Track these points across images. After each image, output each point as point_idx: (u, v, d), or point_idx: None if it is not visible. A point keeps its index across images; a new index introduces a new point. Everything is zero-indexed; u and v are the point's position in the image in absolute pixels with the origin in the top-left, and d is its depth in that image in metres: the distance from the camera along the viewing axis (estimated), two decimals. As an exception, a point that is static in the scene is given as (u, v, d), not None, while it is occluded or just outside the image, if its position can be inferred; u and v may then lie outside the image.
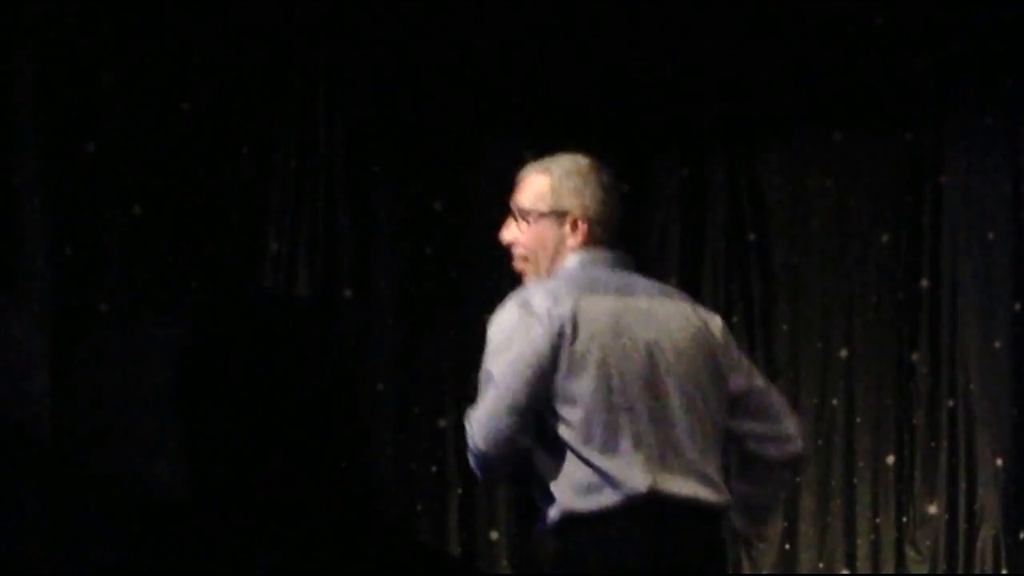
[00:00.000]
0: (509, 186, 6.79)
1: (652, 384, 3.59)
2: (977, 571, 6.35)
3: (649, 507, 3.53)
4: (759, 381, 3.78)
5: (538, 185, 3.77)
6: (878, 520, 6.50)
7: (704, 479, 3.58)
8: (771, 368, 6.59)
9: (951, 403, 6.47)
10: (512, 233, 3.79)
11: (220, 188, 6.15)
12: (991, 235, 6.44)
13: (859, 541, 6.50)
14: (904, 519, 6.49)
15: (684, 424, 3.60)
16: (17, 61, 5.71)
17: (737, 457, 3.83)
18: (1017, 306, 6.40)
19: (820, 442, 6.56)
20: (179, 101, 6.05)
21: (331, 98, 6.32)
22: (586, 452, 3.54)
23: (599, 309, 3.60)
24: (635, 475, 3.53)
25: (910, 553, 6.47)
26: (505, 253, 3.85)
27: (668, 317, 3.66)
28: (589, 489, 3.54)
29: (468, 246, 6.45)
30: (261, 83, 6.21)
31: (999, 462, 6.36)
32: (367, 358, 6.25)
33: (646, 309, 3.65)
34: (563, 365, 3.55)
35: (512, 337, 3.57)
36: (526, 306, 3.59)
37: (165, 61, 5.99)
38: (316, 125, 6.31)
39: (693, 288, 6.62)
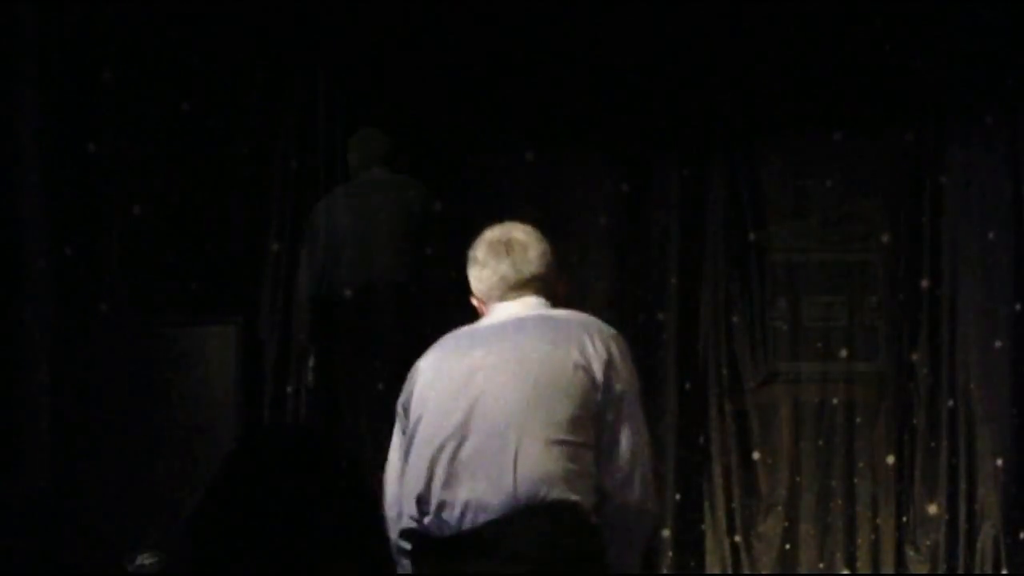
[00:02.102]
0: (509, 186, 6.78)
1: (464, 422, 3.75)
2: (977, 571, 6.34)
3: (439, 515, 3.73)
4: (621, 437, 3.67)
5: None
6: (878, 520, 6.50)
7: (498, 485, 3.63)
8: (771, 368, 6.59)
9: (951, 403, 6.46)
10: None
11: (220, 188, 6.15)
12: (991, 235, 6.44)
13: (859, 541, 6.50)
14: (904, 519, 6.48)
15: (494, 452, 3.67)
16: (17, 61, 5.70)
17: None
18: (1017, 306, 6.39)
19: (820, 442, 6.56)
20: (179, 101, 6.05)
21: (331, 99, 6.32)
22: None
23: (437, 365, 3.93)
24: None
25: (910, 553, 6.46)
26: None
27: (500, 367, 3.78)
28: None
29: (468, 246, 6.44)
30: (261, 83, 6.21)
31: (999, 462, 6.36)
32: (367, 358, 6.25)
33: (476, 362, 3.83)
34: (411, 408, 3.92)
35: None
36: None
37: (165, 61, 6.00)
38: (316, 125, 6.31)
39: (693, 288, 6.62)
